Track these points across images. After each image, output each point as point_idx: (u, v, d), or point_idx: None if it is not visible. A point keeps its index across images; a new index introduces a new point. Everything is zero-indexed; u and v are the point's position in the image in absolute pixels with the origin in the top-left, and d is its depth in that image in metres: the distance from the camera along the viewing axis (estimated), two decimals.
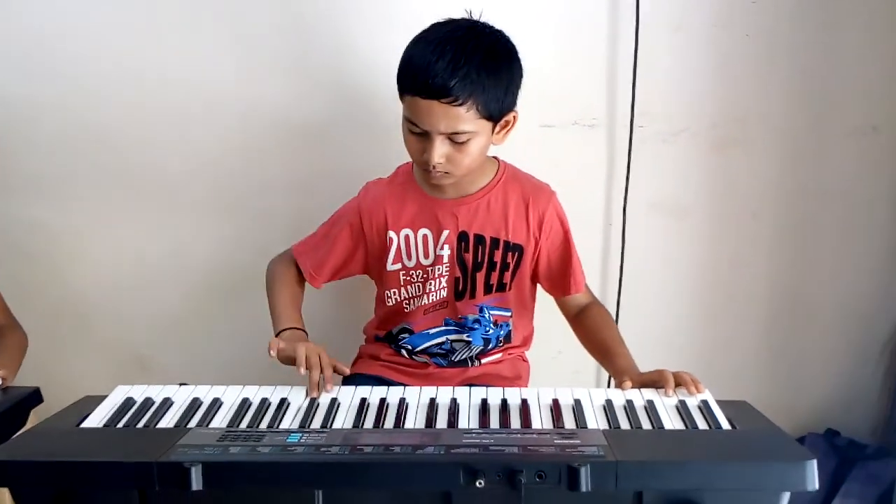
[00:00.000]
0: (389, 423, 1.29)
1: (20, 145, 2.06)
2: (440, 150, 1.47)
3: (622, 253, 2.03)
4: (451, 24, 1.48)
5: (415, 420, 1.30)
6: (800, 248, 2.05)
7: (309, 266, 1.72)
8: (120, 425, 1.28)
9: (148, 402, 1.36)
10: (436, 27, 1.48)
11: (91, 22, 1.95)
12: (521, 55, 1.51)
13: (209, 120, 2.02)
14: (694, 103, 1.94)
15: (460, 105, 1.42)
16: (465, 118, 1.44)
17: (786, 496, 1.10)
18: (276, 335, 1.57)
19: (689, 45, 1.91)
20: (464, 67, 1.41)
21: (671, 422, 1.27)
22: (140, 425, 1.28)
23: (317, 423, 1.29)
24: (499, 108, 1.48)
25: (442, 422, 1.29)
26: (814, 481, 1.08)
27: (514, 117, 1.54)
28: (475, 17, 1.52)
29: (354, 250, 1.71)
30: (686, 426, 1.25)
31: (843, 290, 2.09)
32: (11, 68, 2.00)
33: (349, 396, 1.38)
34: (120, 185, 2.08)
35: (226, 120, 2.02)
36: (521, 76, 1.52)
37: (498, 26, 1.50)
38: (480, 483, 1.08)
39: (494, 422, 1.28)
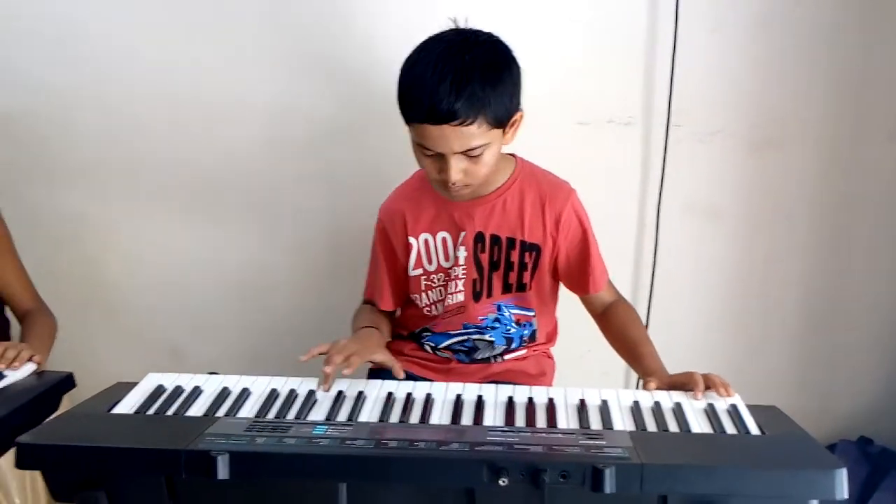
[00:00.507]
0: (415, 417, 1.29)
1: (56, 135, 2.09)
2: (457, 168, 1.46)
3: (655, 253, 2.01)
4: (441, 41, 1.44)
5: (440, 416, 1.30)
6: (835, 252, 2.02)
7: (375, 296, 1.74)
8: (150, 412, 1.29)
9: (178, 391, 1.37)
10: (426, 47, 1.45)
11: (127, 17, 1.98)
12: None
13: (239, 116, 2.04)
14: (731, 104, 1.92)
15: (470, 124, 1.40)
16: (477, 134, 1.42)
17: None
18: None
19: (728, 44, 1.88)
20: (467, 87, 1.38)
21: (699, 425, 1.25)
22: (170, 413, 1.29)
23: (343, 415, 1.29)
24: (507, 114, 1.46)
25: (467, 418, 1.28)
26: (843, 490, 1.06)
27: (520, 116, 1.52)
28: (460, 25, 1.49)
29: (395, 265, 1.71)
30: (714, 430, 1.24)
31: (877, 296, 2.05)
32: (48, 58, 2.03)
33: (376, 390, 1.39)
34: (153, 177, 2.12)
35: (255, 116, 2.04)
36: (520, 75, 1.49)
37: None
38: (504, 481, 1.07)
39: (520, 420, 1.28)
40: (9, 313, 1.87)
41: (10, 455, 1.19)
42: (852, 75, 1.89)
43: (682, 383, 1.40)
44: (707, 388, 1.36)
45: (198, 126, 2.06)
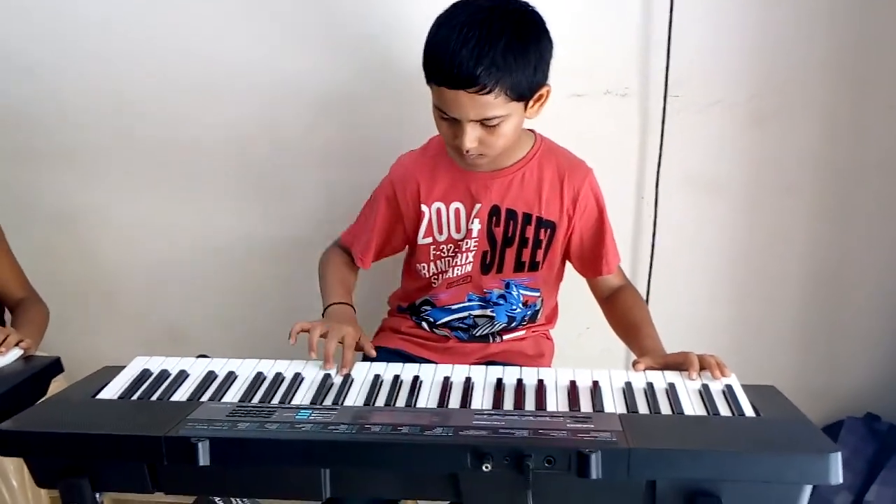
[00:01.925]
0: (401, 401, 1.27)
1: (50, 117, 2.07)
2: (472, 136, 1.44)
3: (654, 227, 1.98)
4: (473, 4, 1.41)
5: (427, 398, 1.28)
6: (837, 223, 1.97)
7: (357, 249, 1.71)
8: (134, 397, 1.28)
9: (164, 375, 1.36)
10: (457, 9, 1.41)
11: None
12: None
13: (235, 93, 2.01)
14: (730, 73, 1.87)
15: (488, 93, 1.37)
16: (495, 104, 1.39)
17: (808, 489, 1.06)
18: (323, 312, 1.57)
19: (726, 11, 1.83)
20: (489, 54, 1.35)
21: (692, 407, 1.23)
22: (154, 398, 1.29)
23: (329, 399, 1.28)
24: (529, 87, 1.43)
25: (455, 401, 1.27)
26: (837, 475, 1.03)
27: (546, 91, 1.49)
28: None
29: (394, 226, 1.69)
30: (707, 412, 1.21)
31: (882, 268, 2.01)
32: (40, 40, 2.00)
33: (363, 373, 1.37)
34: (147, 158, 2.09)
35: (252, 93, 2.00)
36: (550, 49, 1.46)
37: None
38: (487, 467, 1.06)
39: (508, 402, 1.26)
40: None
41: None
42: (853, 42, 1.83)
43: (676, 364, 1.37)
44: (702, 368, 1.34)
45: (190, 104, 2.02)
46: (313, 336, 1.41)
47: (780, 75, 1.87)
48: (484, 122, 1.42)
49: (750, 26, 1.84)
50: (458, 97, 1.38)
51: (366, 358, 1.50)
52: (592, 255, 1.66)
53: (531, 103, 1.47)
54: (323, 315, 1.56)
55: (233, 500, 1.80)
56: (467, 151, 1.46)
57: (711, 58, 1.87)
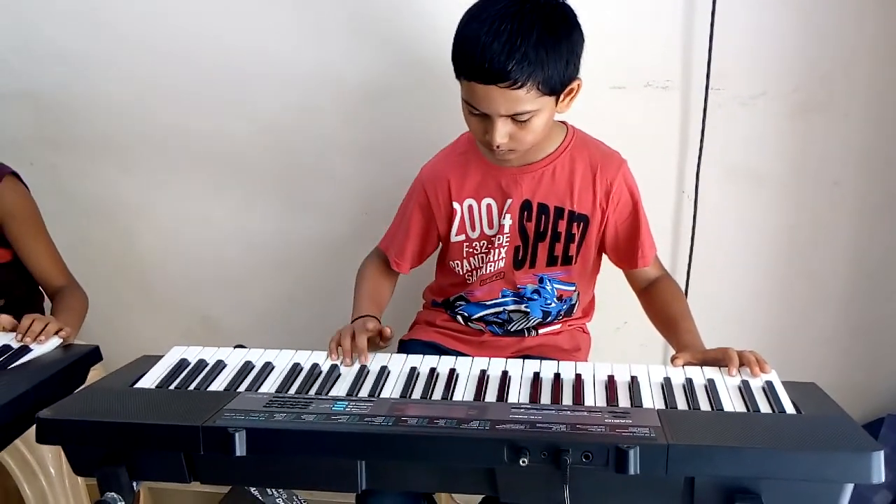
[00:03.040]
0: (438, 393, 1.27)
1: (90, 105, 2.09)
2: (502, 131, 1.42)
3: (694, 221, 1.95)
4: None
5: (464, 392, 1.27)
6: (882, 219, 1.92)
7: (393, 255, 1.71)
8: (172, 387, 1.29)
9: (201, 364, 1.37)
10: (487, 2, 1.39)
11: None
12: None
13: (271, 83, 2.01)
14: (773, 65, 1.83)
15: (519, 88, 1.36)
16: (526, 99, 1.38)
17: (849, 488, 1.04)
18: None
19: (770, 1, 1.80)
20: (521, 48, 1.33)
21: (732, 403, 1.21)
22: (191, 387, 1.30)
23: (365, 391, 1.28)
24: (560, 82, 1.41)
25: (491, 394, 1.26)
26: (879, 474, 1.01)
27: (577, 85, 1.47)
28: None
29: (428, 228, 1.68)
30: (748, 409, 1.20)
31: None
32: (74, 30, 2.02)
33: (399, 364, 1.37)
34: (186, 148, 2.10)
35: (287, 83, 2.00)
36: (582, 42, 1.44)
37: None
38: (524, 461, 1.05)
39: (546, 397, 1.25)
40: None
41: None
42: None
43: (715, 359, 1.36)
44: (742, 364, 1.32)
45: (228, 95, 2.03)
46: (332, 343, 1.42)
47: (825, 66, 1.83)
48: (515, 118, 1.41)
49: (794, 16, 1.80)
50: (490, 92, 1.37)
51: (399, 347, 1.49)
52: (628, 248, 1.64)
53: (562, 97, 1.45)
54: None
55: (268, 490, 1.81)
56: (497, 147, 1.45)
57: (755, 49, 1.83)
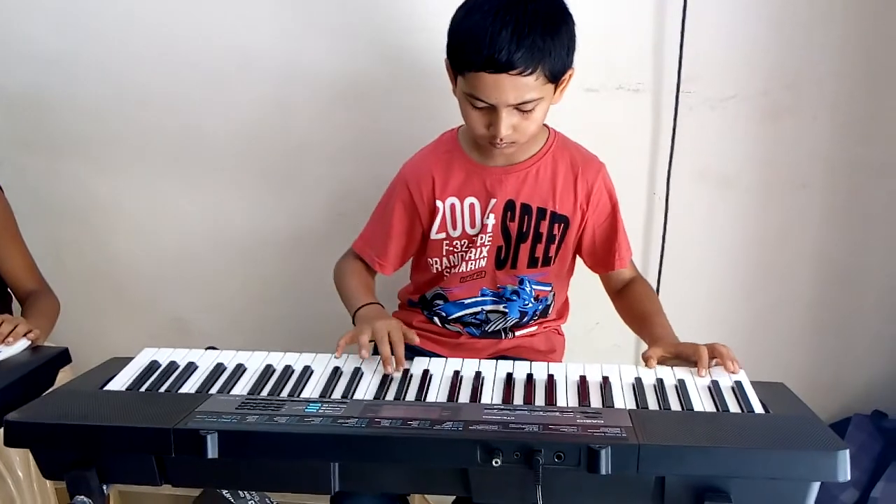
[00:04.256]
0: (411, 395, 1.27)
1: (61, 104, 2.06)
2: (507, 122, 1.43)
3: (665, 223, 1.97)
4: None
5: (437, 393, 1.28)
6: (850, 221, 1.96)
7: (373, 255, 1.68)
8: (142, 389, 1.28)
9: (172, 366, 1.36)
10: None
11: None
12: None
13: (248, 82, 2.00)
14: (744, 69, 1.85)
15: (529, 74, 1.37)
16: (533, 86, 1.39)
17: (815, 486, 1.06)
18: (353, 317, 1.55)
19: (740, 6, 1.82)
20: (529, 36, 1.35)
21: (702, 403, 1.23)
22: (162, 389, 1.28)
23: (338, 393, 1.27)
24: (562, 68, 1.43)
25: (465, 395, 1.26)
26: (846, 472, 1.03)
27: (570, 74, 1.49)
28: None
29: (412, 227, 1.67)
30: (717, 408, 1.21)
31: (893, 267, 1.99)
32: (46, 27, 2.00)
33: (373, 366, 1.36)
34: (159, 147, 2.08)
35: (265, 82, 1.99)
36: (574, 29, 1.46)
37: None
38: (497, 462, 1.06)
39: (518, 397, 1.26)
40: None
41: None
42: (869, 37, 1.82)
43: (687, 354, 1.37)
44: (713, 357, 1.34)
45: (201, 93, 2.02)
46: (363, 339, 1.38)
47: (793, 71, 1.85)
48: (519, 107, 1.42)
49: (764, 21, 1.82)
50: (499, 81, 1.37)
51: (375, 352, 1.49)
52: (605, 250, 1.66)
53: (558, 86, 1.47)
54: (353, 321, 1.53)
55: (240, 493, 1.80)
56: (501, 139, 1.45)
57: (725, 53, 1.85)
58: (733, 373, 1.32)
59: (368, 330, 1.40)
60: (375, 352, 1.42)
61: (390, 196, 1.68)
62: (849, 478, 1.03)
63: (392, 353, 1.35)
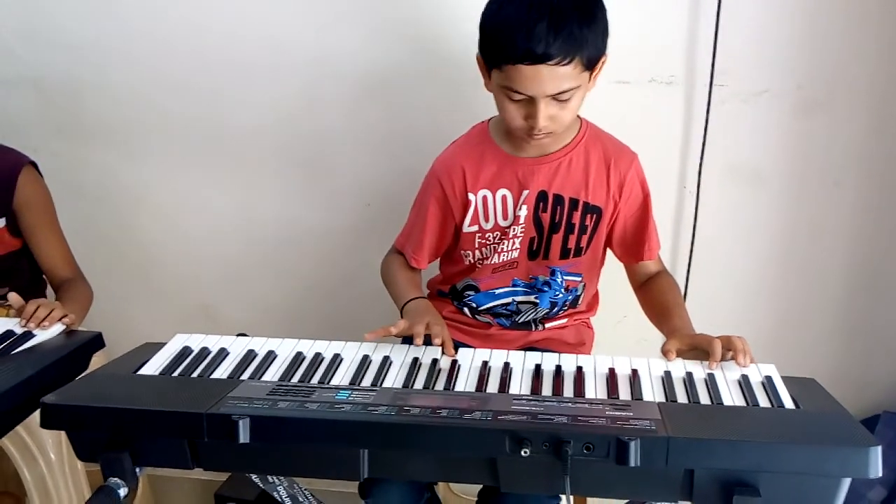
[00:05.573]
0: (440, 384, 1.27)
1: (92, 92, 2.09)
2: (545, 113, 1.43)
3: (695, 217, 1.96)
4: None
5: (465, 383, 1.28)
6: (882, 218, 1.94)
7: (410, 251, 1.70)
8: (175, 374, 1.30)
9: (204, 352, 1.38)
10: None
11: None
12: None
13: (277, 72, 2.01)
14: (777, 63, 1.84)
15: (567, 64, 1.37)
16: (570, 75, 1.39)
17: (846, 482, 1.05)
18: (401, 310, 1.57)
19: (776, 1, 1.80)
20: (566, 26, 1.35)
21: (731, 397, 1.22)
22: (194, 375, 1.30)
23: (367, 381, 1.28)
24: (597, 55, 1.43)
25: (493, 386, 1.27)
26: (877, 469, 1.02)
27: (604, 60, 1.48)
28: None
29: (445, 222, 1.67)
30: (747, 403, 1.20)
31: None
32: (80, 16, 2.02)
33: (402, 355, 1.37)
34: (188, 136, 2.10)
35: (294, 73, 2.00)
36: (607, 16, 1.45)
37: None
38: (526, 452, 1.06)
39: (547, 389, 1.26)
40: None
41: None
42: None
43: (702, 347, 1.37)
44: (728, 349, 1.33)
45: (232, 83, 2.03)
46: (419, 329, 1.40)
47: (829, 65, 1.83)
48: (557, 97, 1.41)
49: (799, 15, 1.80)
50: (538, 72, 1.37)
51: (404, 338, 1.50)
52: (635, 241, 1.66)
53: (593, 73, 1.46)
54: (401, 314, 1.56)
55: (269, 477, 1.81)
56: (539, 130, 1.45)
57: (759, 47, 1.84)
58: (744, 367, 1.31)
59: (424, 322, 1.42)
60: (404, 341, 1.43)
61: (424, 192, 1.68)
62: (880, 474, 1.02)
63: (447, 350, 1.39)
